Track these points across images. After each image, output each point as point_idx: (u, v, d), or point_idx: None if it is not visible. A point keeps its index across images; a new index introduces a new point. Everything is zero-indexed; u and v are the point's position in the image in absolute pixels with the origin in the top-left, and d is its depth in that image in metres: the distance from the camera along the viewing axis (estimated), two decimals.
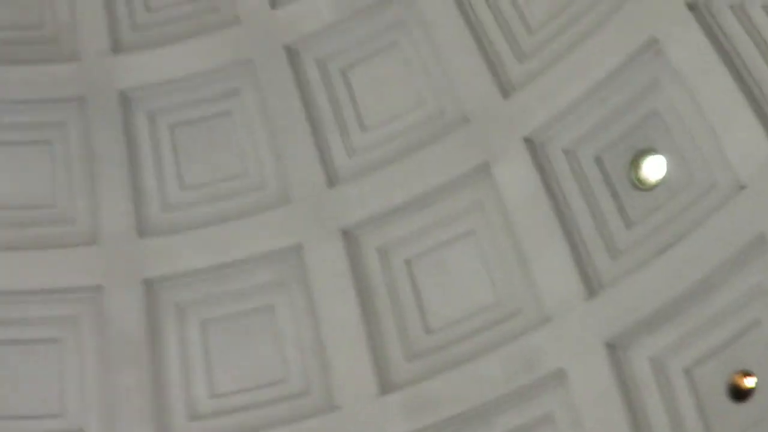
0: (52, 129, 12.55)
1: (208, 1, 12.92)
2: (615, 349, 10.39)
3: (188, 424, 11.67)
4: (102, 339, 11.83)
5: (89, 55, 12.70)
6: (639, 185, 10.85)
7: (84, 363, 11.78)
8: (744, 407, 9.87)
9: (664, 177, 10.69)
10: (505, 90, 11.54)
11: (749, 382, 9.89)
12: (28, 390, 11.72)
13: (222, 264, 12.01)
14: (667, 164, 10.69)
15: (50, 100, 12.59)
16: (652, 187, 10.75)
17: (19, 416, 11.65)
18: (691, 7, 10.35)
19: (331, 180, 12.10)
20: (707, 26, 10.36)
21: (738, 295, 9.95)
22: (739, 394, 9.92)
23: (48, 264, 12.01)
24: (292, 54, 12.48)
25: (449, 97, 11.92)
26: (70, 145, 12.53)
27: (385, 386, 11.31)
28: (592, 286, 10.71)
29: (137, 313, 11.86)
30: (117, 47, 12.73)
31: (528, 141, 11.29)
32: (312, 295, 11.84)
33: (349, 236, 11.90)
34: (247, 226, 12.11)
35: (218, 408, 11.70)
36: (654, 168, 10.78)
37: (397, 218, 11.84)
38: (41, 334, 11.85)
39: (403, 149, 11.97)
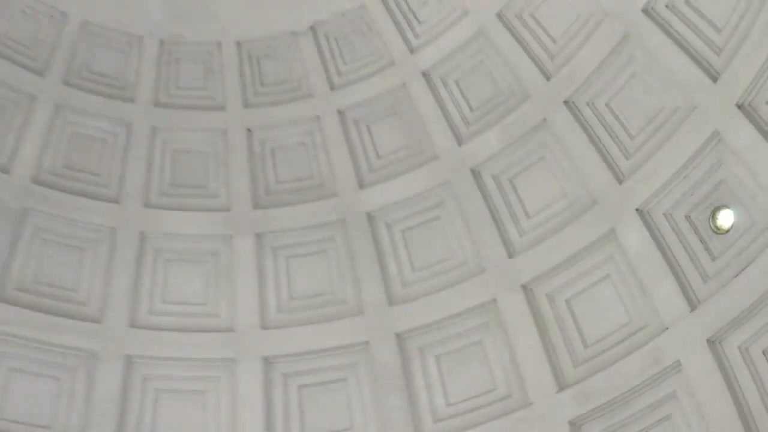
0: (325, 242, 14.47)
1: (415, 147, 14.51)
2: (713, 343, 11.61)
3: (433, 425, 13.33)
4: (372, 376, 13.62)
5: (344, 191, 14.53)
6: (717, 231, 11.99)
7: (362, 392, 13.63)
8: None
9: (733, 224, 11.83)
10: (619, 178, 12.75)
11: None
12: (328, 415, 13.66)
13: (445, 317, 13.62)
14: (735, 215, 11.80)
15: (322, 224, 14.49)
16: (726, 231, 11.90)
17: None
18: (739, 107, 11.52)
19: (510, 253, 13.55)
20: (752, 117, 11.49)
21: None
22: None
23: (332, 330, 13.94)
24: (475, 174, 13.90)
25: (582, 189, 13.06)
26: (338, 251, 14.35)
27: (561, 385, 12.77)
28: (693, 303, 11.95)
29: (393, 356, 13.57)
30: (361, 184, 14.55)
31: (639, 211, 12.50)
32: (506, 330, 13.27)
33: (526, 289, 13.29)
34: (457, 291, 13.66)
35: (452, 412, 13.33)
36: (726, 218, 11.91)
37: (557, 273, 13.16)
38: (333, 377, 13.80)
39: (556, 227, 13.25)
